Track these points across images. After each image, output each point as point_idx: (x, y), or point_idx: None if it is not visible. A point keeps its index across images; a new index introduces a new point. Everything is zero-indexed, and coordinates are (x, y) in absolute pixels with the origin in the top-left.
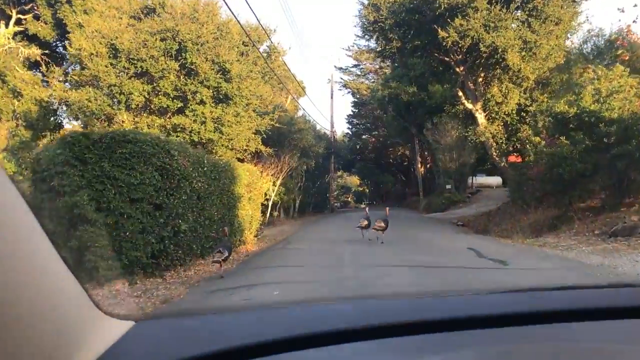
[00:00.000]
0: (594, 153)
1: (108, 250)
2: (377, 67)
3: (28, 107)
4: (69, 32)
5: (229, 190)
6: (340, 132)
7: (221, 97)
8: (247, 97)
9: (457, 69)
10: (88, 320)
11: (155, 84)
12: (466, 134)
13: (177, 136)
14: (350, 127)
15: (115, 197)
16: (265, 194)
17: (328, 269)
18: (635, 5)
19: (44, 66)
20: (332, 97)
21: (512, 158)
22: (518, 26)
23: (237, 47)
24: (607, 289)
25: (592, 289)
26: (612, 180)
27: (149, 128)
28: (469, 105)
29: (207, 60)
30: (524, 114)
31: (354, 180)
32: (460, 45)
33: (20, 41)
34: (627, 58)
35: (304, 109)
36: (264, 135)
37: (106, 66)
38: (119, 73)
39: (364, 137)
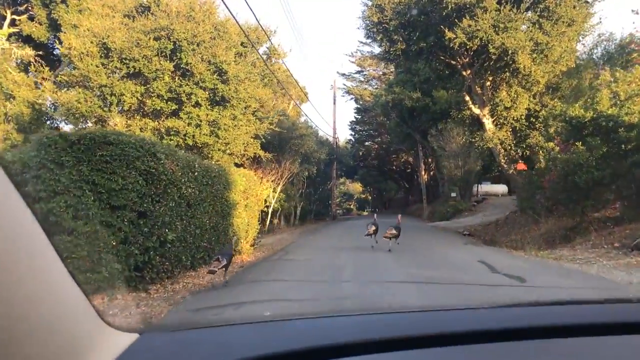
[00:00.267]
0: (611, 160)
1: (86, 261)
2: (381, 73)
3: (20, 110)
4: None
5: (223, 197)
6: (343, 139)
7: (218, 99)
8: (245, 100)
9: (464, 73)
10: (93, 332)
11: (148, 86)
12: (473, 140)
13: (170, 140)
14: (353, 133)
15: (95, 203)
16: (265, 201)
17: (327, 285)
18: None
19: (32, 66)
20: (334, 103)
21: (519, 166)
22: (528, 27)
23: (235, 48)
24: (618, 304)
25: (596, 304)
26: (632, 188)
27: (141, 131)
28: (476, 110)
29: (203, 60)
30: (534, 120)
31: (356, 187)
32: (468, 47)
33: (15, 42)
34: None
35: (306, 115)
36: (263, 140)
37: (97, 66)
38: (110, 73)
39: (366, 143)
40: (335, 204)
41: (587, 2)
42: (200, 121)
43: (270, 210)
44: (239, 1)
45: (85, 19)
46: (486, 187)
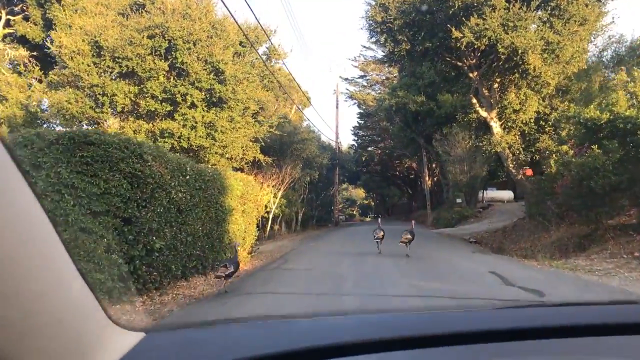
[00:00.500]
0: (629, 164)
1: None
2: (384, 78)
3: (13, 112)
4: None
5: (218, 202)
6: (346, 144)
7: (214, 100)
8: (243, 101)
9: (471, 75)
10: (100, 330)
11: (142, 86)
12: (481, 144)
13: (164, 142)
14: (355, 138)
15: (74, 209)
16: (266, 206)
17: (326, 299)
18: None
19: (22, 66)
20: (337, 107)
21: (526, 171)
22: (538, 26)
23: (233, 47)
24: (623, 305)
25: (601, 305)
26: None
27: (135, 133)
28: (484, 114)
29: (199, 60)
30: (543, 123)
31: (359, 193)
32: (475, 47)
33: (10, 43)
34: None
35: (308, 119)
36: (263, 143)
37: (88, 65)
38: (102, 73)
39: (369, 149)
40: (337, 209)
41: (600, 1)
42: (196, 123)
43: (270, 216)
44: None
45: (79, 18)
46: (491, 193)
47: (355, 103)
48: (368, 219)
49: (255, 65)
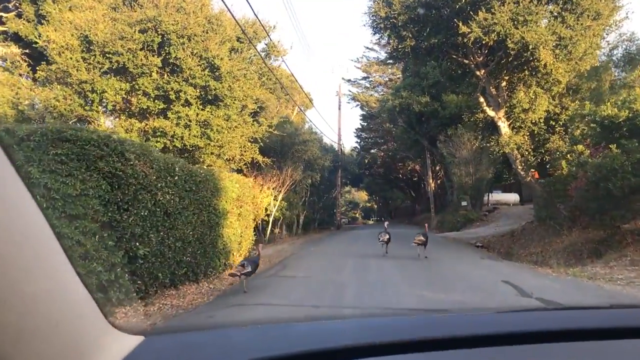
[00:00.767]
0: None
1: None
2: (387, 79)
3: (4, 111)
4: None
5: (211, 205)
6: (349, 147)
7: (210, 97)
8: (240, 99)
9: (478, 73)
10: (99, 333)
11: (134, 83)
12: (488, 144)
13: (156, 142)
14: (358, 140)
15: (47, 212)
16: (266, 209)
17: (324, 311)
18: None
19: (9, 63)
20: (339, 109)
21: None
22: (550, 21)
23: (230, 42)
24: (622, 309)
25: (603, 309)
26: None
27: (127, 133)
28: (491, 113)
29: (193, 55)
30: (553, 123)
31: (362, 196)
32: (483, 43)
33: (2, 41)
34: None
35: (310, 121)
36: (261, 144)
37: (77, 60)
38: (92, 69)
39: (372, 151)
40: (340, 212)
41: None
42: (190, 121)
43: (271, 219)
44: None
45: (69, 12)
46: (497, 196)
47: (358, 105)
48: (371, 222)
49: (254, 62)
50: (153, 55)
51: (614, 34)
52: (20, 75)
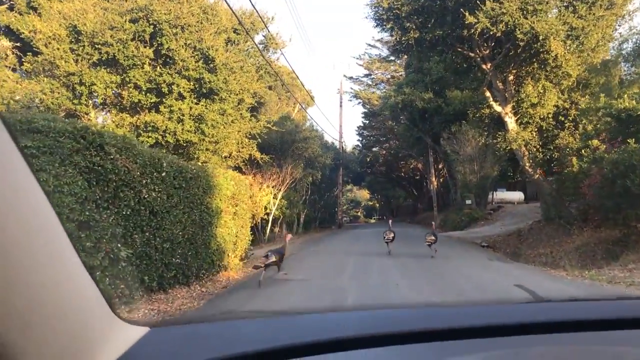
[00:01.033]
0: None
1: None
2: (389, 76)
3: None
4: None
5: (203, 203)
6: (351, 145)
7: (205, 91)
8: (237, 93)
9: (484, 66)
10: (105, 324)
11: (124, 75)
12: (495, 141)
13: (148, 137)
14: (360, 138)
15: None
16: (265, 208)
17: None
18: None
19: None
20: (341, 106)
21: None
22: (560, 10)
23: (226, 33)
24: (626, 300)
25: (609, 300)
26: None
27: (118, 128)
28: (498, 108)
29: (187, 46)
30: (562, 119)
31: (363, 194)
32: (490, 35)
33: None
34: None
35: (311, 118)
36: (259, 140)
37: (65, 51)
38: (80, 60)
39: (374, 149)
40: (341, 211)
41: None
42: (183, 116)
43: (270, 218)
44: None
45: (58, 3)
46: (501, 194)
47: (359, 102)
48: (373, 221)
49: (251, 54)
50: (145, 46)
51: (625, 27)
52: (6, 67)
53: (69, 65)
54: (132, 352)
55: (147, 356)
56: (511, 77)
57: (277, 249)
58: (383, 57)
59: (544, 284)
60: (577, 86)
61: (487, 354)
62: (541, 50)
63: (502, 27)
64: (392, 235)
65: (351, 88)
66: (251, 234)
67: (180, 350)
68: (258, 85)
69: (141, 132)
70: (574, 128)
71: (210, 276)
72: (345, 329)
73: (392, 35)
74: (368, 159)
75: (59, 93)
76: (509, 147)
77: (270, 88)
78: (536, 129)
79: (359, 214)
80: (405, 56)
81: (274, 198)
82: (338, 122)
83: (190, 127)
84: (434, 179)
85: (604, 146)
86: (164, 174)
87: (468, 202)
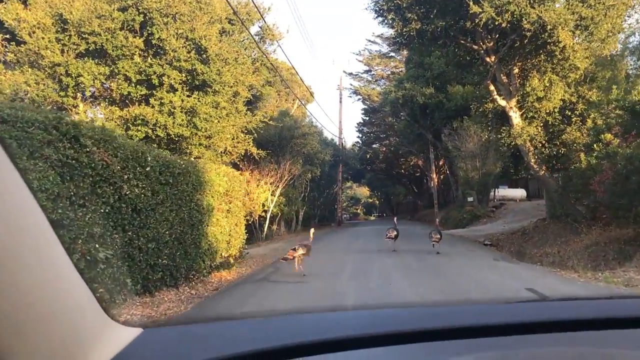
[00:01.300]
0: None
1: None
2: (389, 72)
3: None
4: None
5: (193, 201)
6: (350, 142)
7: (197, 83)
8: (231, 85)
9: (488, 59)
10: (97, 326)
11: (113, 66)
12: (499, 136)
13: (137, 130)
14: (360, 135)
15: None
16: (263, 205)
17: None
18: None
19: None
20: (340, 102)
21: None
22: (568, 0)
23: (220, 23)
24: (622, 299)
25: (603, 299)
26: None
27: (107, 121)
28: (502, 102)
29: (178, 36)
30: (569, 113)
31: (363, 191)
32: (496, 24)
33: None
34: None
35: (311, 114)
36: (255, 135)
37: (50, 41)
38: (67, 50)
39: (374, 146)
40: (341, 208)
41: None
42: (174, 108)
43: (268, 215)
44: None
45: None
46: (503, 192)
47: (359, 99)
48: (372, 218)
49: (247, 45)
50: (134, 36)
51: (631, 20)
52: None
53: (55, 55)
54: (125, 353)
55: (140, 358)
56: (516, 70)
57: (304, 242)
58: (383, 53)
59: (556, 287)
60: (584, 80)
61: (485, 354)
62: (549, 41)
63: (508, 17)
64: (394, 233)
65: (351, 84)
66: (246, 232)
67: (175, 352)
68: (254, 77)
69: (130, 125)
70: (581, 123)
71: (201, 277)
72: (343, 328)
73: (392, 27)
74: (368, 156)
75: (44, 85)
76: (513, 143)
77: (269, 84)
78: (542, 124)
79: (358, 211)
80: (406, 51)
81: (271, 195)
82: (338, 119)
83: (182, 120)
84: (434, 175)
85: (617, 140)
86: (148, 168)
87: (470, 199)
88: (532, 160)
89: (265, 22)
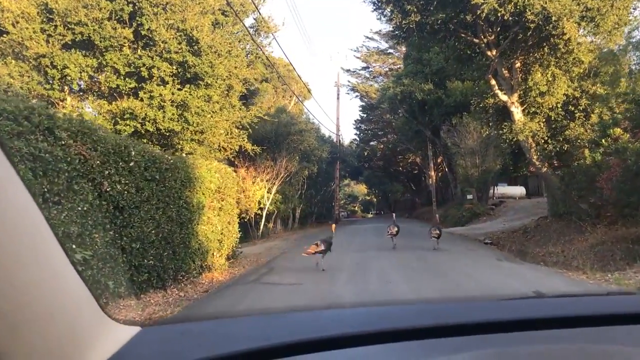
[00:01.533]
0: None
1: None
2: (387, 69)
3: None
4: None
5: (181, 198)
6: (348, 140)
7: (189, 76)
8: (224, 78)
9: (489, 53)
10: (95, 324)
11: (101, 58)
12: (500, 132)
13: (126, 125)
14: (357, 132)
15: None
16: (259, 202)
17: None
18: None
19: None
20: (338, 98)
21: (530, 168)
22: None
23: (214, 14)
24: (617, 296)
25: (600, 296)
26: None
27: (99, 115)
28: (503, 97)
29: (169, 26)
30: (572, 108)
31: (361, 189)
32: (498, 15)
33: None
34: None
35: (308, 110)
36: (250, 131)
37: (34, 31)
38: (54, 41)
39: (372, 143)
40: (338, 206)
41: None
42: (164, 102)
43: (264, 213)
44: None
45: None
46: (502, 189)
47: (357, 96)
48: (370, 215)
49: (241, 38)
50: (123, 27)
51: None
52: None
53: (40, 46)
54: (123, 352)
55: (138, 356)
56: (518, 64)
57: (326, 238)
58: (381, 50)
59: (565, 290)
60: (587, 74)
61: (483, 351)
62: (553, 33)
63: (511, 8)
64: (395, 229)
65: (348, 81)
66: (240, 231)
67: (172, 350)
68: (248, 71)
69: (118, 120)
70: (584, 118)
71: (191, 278)
72: (339, 326)
73: (391, 20)
74: (366, 153)
75: (29, 77)
76: (515, 139)
77: (266, 80)
78: (544, 120)
79: (356, 208)
80: (404, 47)
81: (268, 192)
82: (335, 115)
83: (173, 114)
84: (432, 173)
85: (627, 135)
86: (132, 164)
87: (469, 197)
88: (535, 157)
89: (260, 13)
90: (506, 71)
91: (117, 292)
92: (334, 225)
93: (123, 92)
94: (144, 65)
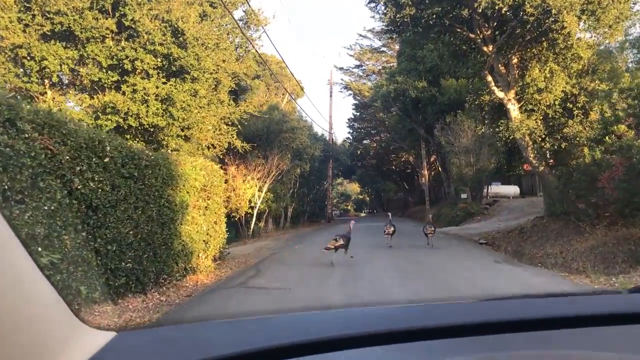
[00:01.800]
0: None
1: None
2: (380, 67)
3: None
4: None
5: (163, 197)
6: (341, 138)
7: (174, 69)
8: (211, 72)
9: (485, 48)
10: (67, 330)
11: (83, 50)
12: (496, 130)
13: (107, 120)
14: (351, 131)
15: None
16: (250, 201)
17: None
18: None
19: None
20: (331, 96)
21: (526, 167)
22: None
23: (201, 5)
24: (603, 295)
25: (588, 295)
26: None
27: (75, 110)
28: (500, 94)
29: (153, 17)
30: (570, 106)
31: (354, 188)
32: (496, 9)
33: None
34: None
35: (301, 108)
36: (239, 127)
37: (11, 21)
38: (29, 31)
39: (365, 142)
40: (331, 204)
41: None
42: (147, 96)
43: (255, 212)
44: None
45: None
46: (496, 188)
47: (350, 94)
48: (363, 214)
49: (230, 31)
50: (105, 17)
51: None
52: None
53: (16, 36)
54: (98, 357)
55: None
56: (515, 60)
57: (344, 233)
58: (374, 48)
59: None
60: (586, 71)
61: (480, 355)
62: (552, 27)
63: (509, 1)
64: (392, 229)
65: (342, 79)
66: (229, 231)
67: (149, 356)
68: (237, 65)
69: (100, 114)
70: (583, 116)
71: (174, 281)
72: (321, 330)
73: (385, 13)
74: (359, 152)
75: (5, 69)
76: (511, 137)
77: (258, 77)
78: (541, 117)
79: (349, 207)
80: (397, 45)
81: (259, 191)
82: (328, 113)
83: (157, 109)
84: (426, 172)
85: (632, 132)
86: (106, 159)
87: (463, 196)
88: (531, 155)
89: (249, 5)
90: (503, 67)
91: (91, 298)
92: (352, 222)
93: (105, 85)
94: (127, 57)
